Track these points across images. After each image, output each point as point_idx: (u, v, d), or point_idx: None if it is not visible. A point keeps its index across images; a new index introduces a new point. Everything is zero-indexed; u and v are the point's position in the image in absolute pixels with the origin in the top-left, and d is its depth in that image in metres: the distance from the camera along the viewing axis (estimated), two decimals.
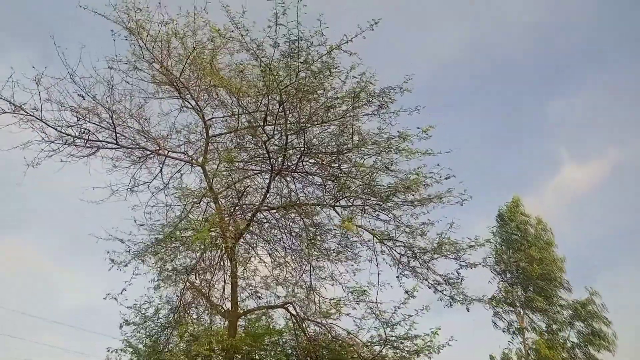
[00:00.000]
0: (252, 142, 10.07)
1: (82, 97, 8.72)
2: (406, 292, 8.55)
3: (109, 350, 11.11)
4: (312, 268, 10.16)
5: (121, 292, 9.01)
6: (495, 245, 20.10)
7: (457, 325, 10.18)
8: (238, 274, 10.20)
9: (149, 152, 10.16)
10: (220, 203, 10.03)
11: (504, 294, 19.57)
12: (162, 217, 10.04)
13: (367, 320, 9.48)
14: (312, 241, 9.83)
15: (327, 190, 9.03)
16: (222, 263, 10.54)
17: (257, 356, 13.61)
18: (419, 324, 9.08)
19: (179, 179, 10.49)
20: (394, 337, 9.25)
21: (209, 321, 11.09)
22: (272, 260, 11.00)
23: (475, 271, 8.35)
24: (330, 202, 8.84)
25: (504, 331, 19.43)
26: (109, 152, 9.68)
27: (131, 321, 10.22)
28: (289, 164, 9.21)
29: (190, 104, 10.21)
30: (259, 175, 10.24)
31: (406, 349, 9.26)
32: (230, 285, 10.29)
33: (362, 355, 9.83)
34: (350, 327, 10.00)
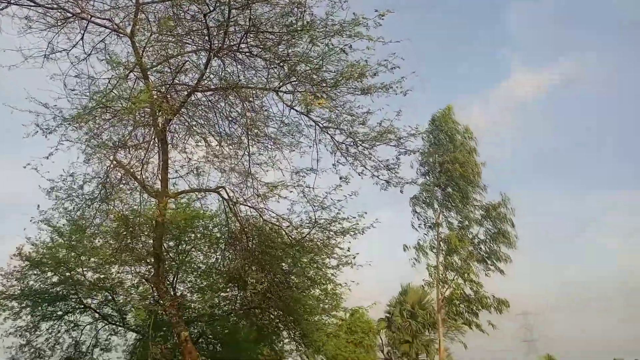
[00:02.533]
0: (190, 14, 9.13)
1: None
2: (340, 178, 8.81)
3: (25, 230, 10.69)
4: (249, 153, 10.05)
5: (47, 157, 8.18)
6: (424, 148, 21.13)
7: (383, 223, 10.75)
8: (169, 156, 9.87)
9: (69, 15, 8.89)
10: (151, 80, 9.29)
11: (425, 193, 21.05)
12: (85, 89, 9.15)
13: (299, 205, 9.80)
14: (251, 127, 9.60)
15: (271, 74, 8.62)
16: (153, 142, 10.09)
17: (186, 238, 13.89)
18: (348, 209, 9.58)
19: (103, 50, 9.45)
20: (323, 220, 9.76)
21: (138, 200, 10.90)
22: (207, 144, 10.70)
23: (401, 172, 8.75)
24: (275, 86, 8.50)
25: (420, 226, 21.19)
26: (21, 11, 8.34)
27: (53, 194, 9.68)
28: (231, 43, 8.56)
29: None
30: (196, 53, 9.48)
31: (333, 229, 9.84)
32: (160, 166, 9.98)
33: (292, 236, 10.29)
34: (283, 211, 10.30)
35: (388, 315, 40.70)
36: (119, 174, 10.05)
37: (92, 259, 12.25)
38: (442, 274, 20.34)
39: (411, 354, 38.05)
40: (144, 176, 10.24)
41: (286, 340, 15.34)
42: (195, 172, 10.69)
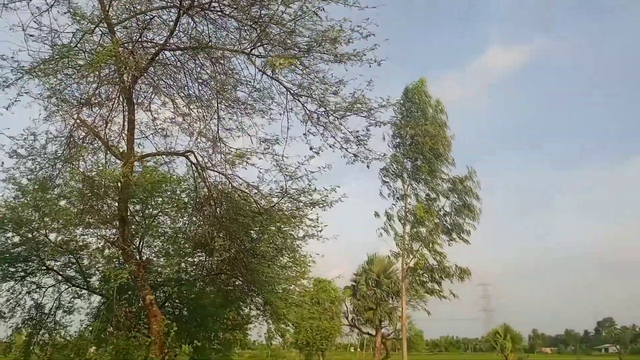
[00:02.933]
0: None
1: None
2: (311, 149, 8.76)
3: None
4: (219, 118, 9.84)
5: (7, 108, 7.75)
6: (396, 120, 21.24)
7: (352, 193, 10.85)
8: (135, 116, 9.56)
9: None
10: (117, 37, 8.88)
11: (395, 165, 21.32)
12: (48, 44, 8.66)
13: (269, 173, 9.73)
14: (221, 90, 9.37)
15: (243, 36, 8.36)
16: (118, 101, 9.74)
17: (153, 202, 13.68)
18: (318, 180, 9.58)
19: (67, 1, 8.92)
20: (293, 190, 9.75)
21: (103, 161, 10.58)
22: (175, 106, 10.41)
23: (373, 144, 8.75)
24: (246, 48, 8.27)
25: (389, 196, 21.53)
26: None
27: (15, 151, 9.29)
28: (202, 1, 8.24)
29: None
30: (166, 9, 9.08)
31: (303, 200, 9.86)
32: (126, 127, 9.69)
33: (261, 205, 10.26)
34: (252, 179, 10.21)
35: (354, 283, 41.71)
36: (83, 133, 9.69)
37: (56, 220, 11.93)
38: (407, 245, 20.85)
39: (375, 321, 39.29)
40: (108, 136, 9.94)
41: (252, 307, 15.54)
42: (161, 132, 10.42)
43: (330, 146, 8.77)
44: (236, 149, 9.77)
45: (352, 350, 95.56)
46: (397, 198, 21.39)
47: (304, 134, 8.73)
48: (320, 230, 10.22)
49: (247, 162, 9.54)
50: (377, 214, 20.76)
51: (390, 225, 20.79)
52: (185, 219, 13.43)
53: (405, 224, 20.98)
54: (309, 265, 13.63)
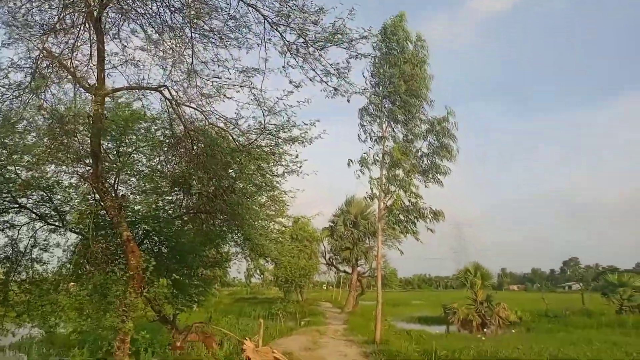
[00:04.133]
0: None
1: None
2: (291, 82, 8.51)
3: None
4: (193, 49, 9.40)
5: None
6: (375, 58, 20.73)
7: (334, 138, 10.77)
8: (105, 44, 9.07)
9: None
10: None
11: (373, 105, 21.04)
12: None
13: (247, 108, 9.49)
14: (196, 18, 8.87)
15: None
16: (84, 28, 9.17)
17: (127, 140, 13.33)
18: (298, 117, 9.42)
19: None
20: (272, 125, 9.57)
21: (72, 95, 10.12)
22: (147, 36, 9.87)
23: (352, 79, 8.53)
24: None
25: (367, 139, 21.41)
26: None
27: None
28: None
29: None
30: None
31: (282, 136, 9.71)
32: (95, 57, 9.20)
33: (239, 142, 10.10)
34: (230, 115, 9.97)
35: (332, 224, 42.60)
36: (48, 62, 9.16)
37: (26, 157, 11.53)
38: (384, 186, 21.03)
39: (351, 260, 40.60)
40: (75, 67, 9.43)
41: (232, 244, 15.74)
42: (132, 62, 9.95)
43: (310, 79, 8.53)
44: (212, 81, 9.43)
45: (325, 288, 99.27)
46: (375, 140, 21.30)
47: (282, 67, 8.45)
48: (300, 166, 10.17)
49: (224, 96, 9.25)
50: (350, 161, 20.66)
51: (366, 167, 20.79)
52: (161, 157, 13.19)
53: (382, 166, 21.04)
54: (288, 205, 13.74)
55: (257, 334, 15.76)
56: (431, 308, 51.12)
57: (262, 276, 38.55)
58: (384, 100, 21.16)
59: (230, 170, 11.68)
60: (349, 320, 31.27)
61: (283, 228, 14.97)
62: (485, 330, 30.32)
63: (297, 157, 9.98)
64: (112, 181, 13.20)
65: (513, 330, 28.78)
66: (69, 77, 9.51)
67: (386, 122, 21.22)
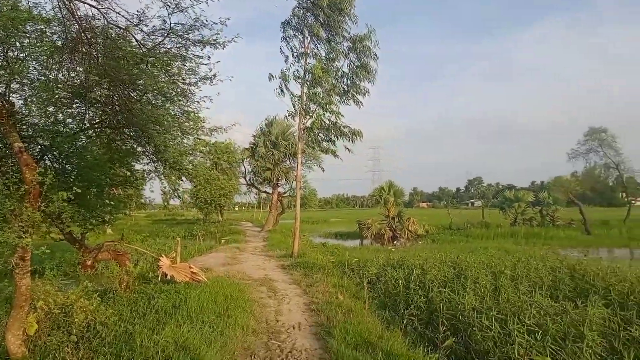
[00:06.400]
0: None
1: None
2: None
3: None
4: None
5: None
6: None
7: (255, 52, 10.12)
8: None
9: None
10: None
11: (296, 19, 20.15)
12: None
13: (152, 10, 8.54)
14: None
15: None
16: None
17: (18, 44, 11.68)
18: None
19: None
20: (179, 26, 8.78)
21: None
22: None
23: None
24: None
25: (288, 57, 20.71)
26: None
27: None
28: None
29: None
30: None
31: (191, 38, 8.97)
32: None
33: (143, 44, 9.22)
34: (132, 11, 8.93)
35: (253, 145, 42.14)
36: None
37: None
38: (305, 105, 20.83)
39: (272, 180, 40.94)
40: None
41: (145, 161, 14.97)
42: None
43: None
44: None
45: (236, 209, 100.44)
46: (297, 56, 20.66)
47: None
48: (212, 72, 9.52)
49: None
50: (272, 76, 19.94)
51: (287, 84, 20.31)
52: (58, 64, 11.79)
53: (303, 84, 20.66)
54: (205, 120, 13.11)
55: (175, 251, 15.69)
56: (348, 224, 53.98)
57: (180, 197, 37.79)
58: (307, 14, 20.32)
59: (140, 82, 10.76)
60: (269, 238, 32.16)
61: (198, 140, 14.31)
62: (395, 242, 32.76)
63: (209, 58, 9.28)
64: (2, 90, 11.71)
65: (420, 242, 31.40)
66: None
67: (308, 38, 20.56)
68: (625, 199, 58.15)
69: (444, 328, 7.86)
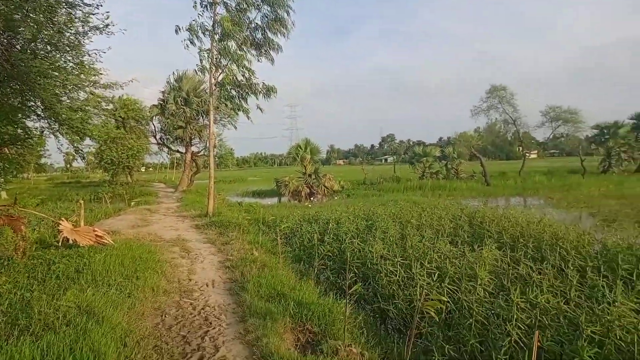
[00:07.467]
0: None
1: None
2: None
3: None
4: None
5: None
6: None
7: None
8: None
9: None
10: None
11: None
12: None
13: None
14: None
15: None
16: None
17: None
18: None
19: None
20: None
21: None
22: None
23: None
24: None
25: (196, 4, 19.42)
26: None
27: None
28: None
29: None
30: None
31: None
32: None
33: None
34: None
35: (162, 102, 39.86)
36: None
37: None
38: (216, 59, 19.89)
39: (185, 138, 39.32)
40: None
41: (34, 118, 13.59)
42: None
43: None
44: None
45: (150, 170, 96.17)
46: (205, 6, 19.44)
47: None
48: (107, 24, 8.71)
49: None
50: (178, 28, 18.65)
51: (196, 37, 19.14)
52: None
53: (213, 37, 19.60)
54: (102, 73, 12.09)
55: (77, 215, 14.65)
56: (266, 183, 53.91)
57: (84, 158, 35.09)
58: None
59: (22, 29, 9.55)
60: (183, 198, 31.21)
61: (91, 95, 13.19)
62: (312, 199, 33.36)
63: (98, 7, 8.45)
64: None
65: (336, 197, 32.28)
66: None
67: None
68: (521, 152, 63.75)
69: (351, 275, 8.21)
